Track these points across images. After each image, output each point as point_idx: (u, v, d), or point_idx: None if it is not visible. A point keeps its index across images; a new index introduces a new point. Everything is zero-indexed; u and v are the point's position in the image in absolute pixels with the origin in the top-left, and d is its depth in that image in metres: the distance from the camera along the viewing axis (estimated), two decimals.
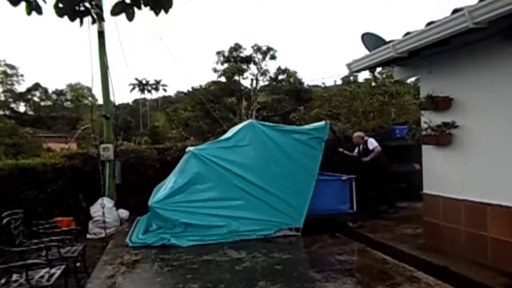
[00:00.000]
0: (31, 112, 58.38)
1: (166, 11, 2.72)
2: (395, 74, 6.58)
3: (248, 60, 33.16)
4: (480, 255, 4.65)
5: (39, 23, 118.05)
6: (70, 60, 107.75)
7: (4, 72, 51.94)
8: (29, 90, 58.48)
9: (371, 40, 5.79)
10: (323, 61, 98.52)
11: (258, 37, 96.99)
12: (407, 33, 4.80)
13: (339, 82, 34.20)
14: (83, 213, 8.09)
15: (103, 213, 7.51)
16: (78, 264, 5.09)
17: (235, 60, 32.95)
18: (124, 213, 8.47)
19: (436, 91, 5.14)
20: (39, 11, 2.71)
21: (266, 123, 8.16)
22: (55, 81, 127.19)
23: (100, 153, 8.48)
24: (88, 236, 7.64)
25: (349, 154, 8.51)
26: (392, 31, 68.54)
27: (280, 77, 34.97)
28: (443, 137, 5.12)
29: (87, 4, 2.77)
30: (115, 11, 2.68)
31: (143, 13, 2.75)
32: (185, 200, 6.85)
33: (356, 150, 8.50)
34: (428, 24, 4.43)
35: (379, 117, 13.55)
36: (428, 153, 5.58)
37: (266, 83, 35.15)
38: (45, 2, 2.70)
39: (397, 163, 8.77)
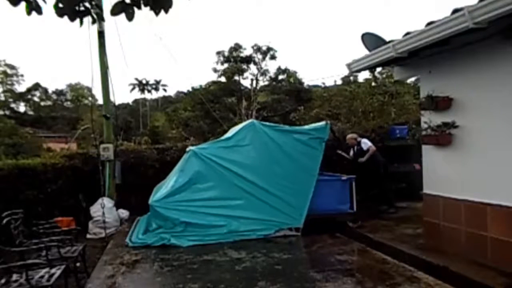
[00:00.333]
0: (31, 112, 58.38)
1: (166, 11, 2.72)
2: (395, 74, 6.58)
3: (248, 60, 33.17)
4: (480, 255, 4.65)
5: (39, 23, 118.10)
6: (70, 60, 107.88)
7: (4, 72, 51.95)
8: (29, 90, 58.49)
9: (371, 40, 5.78)
10: (323, 61, 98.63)
11: (258, 37, 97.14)
12: (407, 33, 4.80)
13: (339, 82, 34.24)
14: (83, 213, 8.09)
15: (103, 213, 7.51)
16: (78, 264, 5.09)
17: (235, 60, 32.96)
18: (124, 213, 8.47)
19: (436, 91, 5.14)
20: (39, 11, 2.71)
21: (267, 123, 8.16)
22: (55, 81, 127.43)
23: (100, 153, 8.48)
24: (88, 236, 7.64)
25: (346, 156, 8.51)
26: (392, 31, 68.56)
27: (280, 77, 34.99)
28: (443, 137, 5.12)
29: (87, 4, 2.77)
30: (115, 11, 2.68)
31: (143, 13, 2.75)
32: (186, 199, 6.85)
33: (352, 152, 8.50)
34: (428, 24, 4.43)
35: (379, 117, 13.55)
36: (428, 153, 5.58)
37: (266, 83, 35.19)
38: (45, 2, 2.70)
39: (397, 163, 8.77)
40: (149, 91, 65.32)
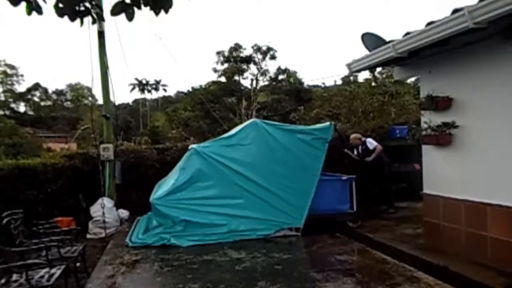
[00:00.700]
0: (31, 112, 58.40)
1: (166, 11, 2.73)
2: (395, 74, 6.58)
3: (248, 60, 33.20)
4: (480, 255, 4.65)
5: (39, 23, 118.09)
6: (70, 60, 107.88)
7: (4, 72, 51.96)
8: (29, 90, 58.50)
9: (371, 40, 5.78)
10: (323, 61, 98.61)
11: (258, 37, 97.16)
12: (407, 33, 4.80)
13: (339, 82, 34.24)
14: (83, 213, 8.09)
15: (103, 213, 7.51)
16: (78, 264, 5.09)
17: (235, 60, 33.00)
18: (124, 213, 8.47)
19: (436, 91, 5.14)
20: (39, 11, 2.71)
21: (270, 121, 8.12)
22: (55, 81, 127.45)
23: (100, 153, 8.48)
24: (88, 236, 7.64)
25: (353, 156, 8.49)
26: (392, 31, 68.55)
27: (280, 77, 35.04)
28: (443, 137, 5.12)
29: (87, 4, 2.77)
30: (115, 11, 2.68)
31: (143, 13, 2.76)
32: (186, 198, 6.86)
33: (356, 152, 8.49)
34: (428, 24, 4.43)
35: (379, 117, 13.55)
36: (428, 153, 5.58)
37: (266, 83, 35.23)
38: (45, 2, 2.70)
39: (397, 163, 8.77)
40: (149, 91, 65.36)
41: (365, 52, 5.84)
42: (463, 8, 3.92)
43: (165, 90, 67.27)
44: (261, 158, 7.22)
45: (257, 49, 33.03)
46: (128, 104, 67.61)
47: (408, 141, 8.18)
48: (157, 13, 2.72)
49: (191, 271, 5.10)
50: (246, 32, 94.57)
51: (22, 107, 58.04)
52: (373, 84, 17.73)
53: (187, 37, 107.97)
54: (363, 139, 8.41)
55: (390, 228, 6.76)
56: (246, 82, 34.40)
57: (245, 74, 33.68)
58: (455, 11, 4.07)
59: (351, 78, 26.38)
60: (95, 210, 7.82)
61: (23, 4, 2.65)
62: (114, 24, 15.77)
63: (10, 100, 54.16)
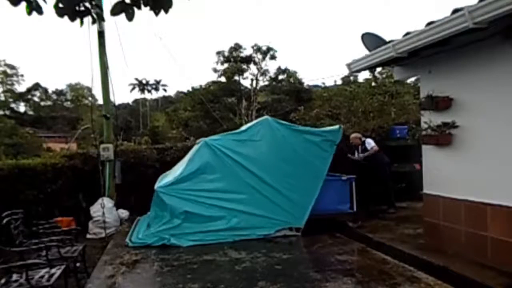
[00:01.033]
0: (31, 112, 58.37)
1: (166, 11, 2.73)
2: (395, 74, 6.58)
3: (248, 60, 33.17)
4: (480, 255, 4.65)
5: (39, 23, 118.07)
6: (70, 60, 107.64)
7: (4, 72, 51.93)
8: (29, 90, 58.46)
9: (371, 40, 5.79)
10: (323, 61, 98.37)
11: (258, 37, 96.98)
12: (407, 33, 4.80)
13: (339, 82, 34.28)
14: (83, 213, 8.09)
15: (103, 213, 7.51)
16: (78, 264, 5.09)
17: (235, 60, 32.97)
18: (124, 213, 8.47)
19: (436, 91, 5.15)
20: (39, 11, 2.72)
21: (281, 121, 8.15)
22: (55, 81, 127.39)
23: (100, 153, 8.49)
24: (88, 236, 7.64)
25: (354, 159, 8.49)
26: (392, 31, 68.55)
27: (280, 77, 35.01)
28: (443, 137, 5.12)
29: (87, 4, 2.77)
30: (115, 11, 2.69)
31: (143, 13, 2.76)
32: (191, 189, 6.87)
33: (356, 153, 8.49)
34: (428, 24, 4.43)
35: (379, 117, 13.53)
36: (428, 153, 5.58)
37: (266, 83, 35.20)
38: (45, 2, 2.70)
39: (397, 163, 8.77)
40: (149, 91, 65.35)
41: (365, 52, 5.84)
42: (463, 8, 3.92)
43: (165, 90, 67.32)
44: (270, 155, 7.25)
45: (257, 49, 33.00)
46: (128, 104, 67.64)
47: (408, 141, 8.20)
48: (157, 13, 2.73)
49: (191, 271, 5.10)
50: (246, 32, 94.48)
51: (22, 107, 58.06)
52: (373, 84, 17.72)
53: (187, 37, 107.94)
54: (363, 139, 8.41)
55: (390, 228, 6.76)
56: (246, 82, 34.41)
57: (245, 74, 33.66)
58: (455, 11, 4.07)
59: (351, 78, 26.43)
60: (95, 210, 7.82)
61: (23, 4, 2.65)
62: (114, 24, 15.77)
63: (10, 100, 54.11)
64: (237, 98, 32.33)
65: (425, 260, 4.92)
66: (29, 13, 2.70)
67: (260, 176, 7.05)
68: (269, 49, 33.05)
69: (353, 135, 8.63)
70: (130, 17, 2.71)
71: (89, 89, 48.59)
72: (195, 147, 7.66)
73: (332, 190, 7.26)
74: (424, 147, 5.64)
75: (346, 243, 6.35)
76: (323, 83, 33.76)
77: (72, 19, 2.75)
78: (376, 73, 18.71)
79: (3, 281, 3.95)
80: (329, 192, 7.20)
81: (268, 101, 33.25)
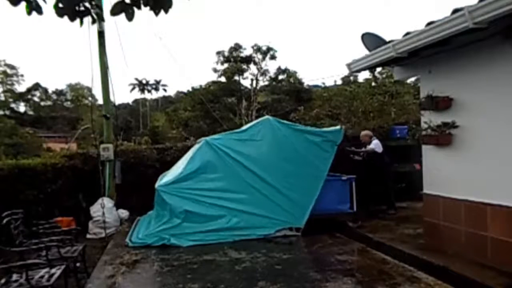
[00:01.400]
0: (31, 112, 58.35)
1: (166, 11, 2.73)
2: (395, 74, 6.58)
3: (248, 60, 33.16)
4: (480, 255, 4.65)
5: (39, 23, 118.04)
6: (70, 60, 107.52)
7: (4, 72, 51.90)
8: (29, 90, 58.45)
9: (371, 40, 5.79)
10: (323, 61, 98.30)
11: (258, 37, 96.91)
12: (407, 33, 4.80)
13: (339, 82, 34.24)
14: (83, 213, 8.09)
15: (103, 213, 7.51)
16: (78, 264, 5.09)
17: (235, 60, 32.96)
18: (124, 213, 8.47)
19: (436, 91, 5.15)
20: (39, 11, 2.72)
21: (282, 120, 8.17)
22: (55, 81, 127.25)
23: (100, 153, 8.49)
24: (88, 236, 7.64)
25: (357, 158, 8.47)
26: (392, 31, 68.54)
27: (280, 77, 34.99)
28: (443, 137, 5.12)
29: (87, 4, 2.77)
30: (115, 11, 2.68)
31: (143, 13, 2.76)
32: (192, 188, 6.89)
33: (363, 149, 8.47)
34: (428, 24, 4.43)
35: (379, 117, 13.53)
36: (428, 153, 5.58)
37: (266, 83, 35.18)
38: (45, 2, 2.70)
39: (397, 163, 8.77)
40: (149, 91, 65.32)
41: (365, 52, 5.85)
42: (463, 8, 3.92)
43: (165, 90, 67.29)
44: (270, 155, 7.26)
45: (257, 49, 32.98)
46: (128, 104, 67.62)
47: (408, 141, 8.19)
48: (157, 13, 2.73)
49: (191, 271, 5.10)
50: (246, 32, 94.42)
51: (22, 107, 58.02)
52: (373, 84, 17.72)
53: (187, 37, 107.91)
54: (373, 138, 8.37)
55: (390, 228, 6.77)
56: (246, 82, 34.39)
57: (245, 74, 33.64)
58: (455, 11, 4.07)
59: (351, 78, 26.41)
60: (95, 210, 7.82)
61: (23, 4, 2.65)
62: (114, 24, 15.77)
63: (10, 100, 54.09)
64: (237, 98, 32.32)
65: (425, 260, 4.92)
66: (29, 13, 2.70)
67: (261, 176, 7.06)
68: (269, 49, 33.04)
69: (363, 133, 8.61)
70: (130, 17, 2.71)
71: (89, 89, 48.59)
72: (196, 146, 7.68)
73: (332, 190, 7.27)
74: (424, 147, 5.64)
75: (346, 243, 6.35)
76: (323, 83, 33.73)
77: (72, 19, 2.75)
78: (376, 73, 18.72)
79: (3, 281, 3.95)
80: (329, 192, 7.20)
81: (268, 101, 33.23)
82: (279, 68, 34.66)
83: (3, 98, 52.31)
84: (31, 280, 3.86)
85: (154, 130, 39.25)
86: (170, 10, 2.73)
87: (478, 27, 3.87)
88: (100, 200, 7.79)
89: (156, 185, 7.07)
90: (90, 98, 43.06)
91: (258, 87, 33.80)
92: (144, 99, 65.12)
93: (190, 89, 35.46)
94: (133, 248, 6.24)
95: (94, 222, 7.80)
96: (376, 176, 8.12)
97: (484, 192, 4.60)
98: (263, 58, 33.42)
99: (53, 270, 4.15)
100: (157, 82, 64.68)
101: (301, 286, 4.51)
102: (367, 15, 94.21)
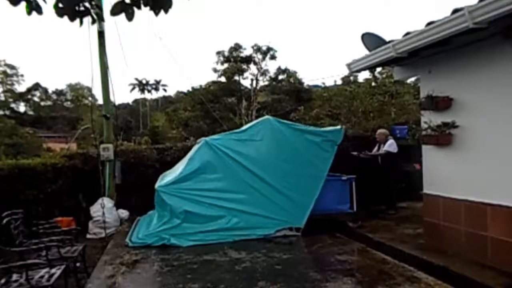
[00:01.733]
0: (31, 112, 58.34)
1: (166, 11, 2.73)
2: (395, 74, 6.58)
3: (248, 60, 33.17)
4: (480, 255, 4.65)
5: (39, 23, 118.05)
6: (70, 60, 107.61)
7: (4, 72, 51.89)
8: (29, 90, 58.44)
9: (371, 40, 5.79)
10: (323, 61, 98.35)
11: (258, 37, 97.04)
12: (407, 33, 4.80)
13: (339, 82, 34.17)
14: (83, 213, 8.09)
15: (103, 213, 7.51)
16: (78, 264, 5.09)
17: (235, 60, 32.97)
18: (124, 213, 8.47)
19: (436, 91, 5.15)
20: (39, 11, 2.72)
21: (282, 120, 8.17)
22: (55, 81, 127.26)
23: (100, 153, 8.48)
24: (88, 236, 7.64)
25: (362, 155, 8.41)
26: (392, 31, 68.53)
27: (280, 77, 35.01)
28: (443, 137, 5.12)
29: (87, 4, 2.77)
30: (115, 11, 2.68)
31: (143, 13, 2.76)
32: (192, 188, 6.88)
33: (376, 148, 8.43)
34: (428, 24, 4.43)
35: (379, 117, 13.54)
36: (428, 153, 5.58)
37: (266, 83, 35.20)
38: (45, 2, 2.70)
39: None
40: (149, 91, 65.33)
41: (365, 52, 5.84)
42: (463, 8, 3.92)
43: (165, 90, 67.30)
44: (270, 155, 7.26)
45: (257, 49, 32.99)
46: (128, 104, 67.63)
47: (408, 141, 8.16)
48: (157, 13, 2.73)
49: (191, 271, 5.10)
50: (246, 32, 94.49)
51: (22, 107, 58.00)
52: (373, 84, 17.72)
53: (187, 37, 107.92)
54: (389, 138, 8.31)
55: (390, 228, 6.76)
56: (246, 82, 34.41)
57: (245, 74, 33.66)
58: (455, 11, 4.07)
59: (351, 78, 26.38)
60: (95, 210, 7.82)
61: (23, 4, 2.65)
62: (114, 24, 15.74)
63: (10, 100, 54.07)
64: (237, 98, 32.32)
65: (425, 260, 4.92)
66: (29, 13, 2.70)
67: (261, 176, 7.05)
68: (269, 49, 33.05)
69: (379, 131, 8.53)
70: (130, 17, 2.71)
71: (89, 89, 48.62)
72: (196, 147, 7.68)
73: (332, 190, 7.26)
74: (424, 147, 5.64)
75: (346, 243, 6.35)
76: (323, 83, 33.66)
77: (72, 19, 2.75)
78: (376, 73, 18.70)
79: (3, 281, 3.94)
80: (329, 192, 7.20)
81: (268, 101, 33.24)
82: (279, 68, 34.71)
83: (3, 98, 52.29)
84: (31, 280, 3.86)
85: (154, 130, 39.28)
86: (170, 10, 2.73)
87: (478, 27, 3.87)
88: (100, 200, 7.78)
89: (156, 185, 7.07)
90: (90, 98, 43.11)
91: (258, 87, 33.81)
92: (144, 99, 65.15)
93: (190, 89, 35.49)
94: (133, 248, 6.24)
95: (94, 222, 7.80)
96: (385, 176, 8.03)
97: (484, 192, 4.60)
98: (263, 58, 33.45)
99: (53, 270, 4.15)
100: (157, 82, 64.71)
101: (301, 286, 4.51)
102: (367, 15, 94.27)
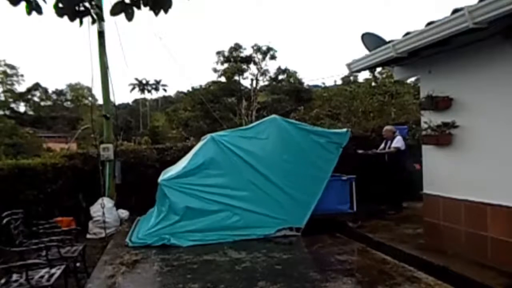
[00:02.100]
0: (31, 112, 58.33)
1: (166, 11, 2.72)
2: (395, 74, 6.58)
3: (248, 60, 33.16)
4: (480, 255, 4.64)
5: (39, 23, 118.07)
6: (70, 60, 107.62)
7: (4, 72, 51.88)
8: (29, 90, 58.42)
9: (371, 40, 5.79)
10: (323, 61, 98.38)
11: (258, 37, 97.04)
12: (407, 33, 4.80)
13: (339, 82, 34.23)
14: (83, 213, 8.09)
15: (103, 213, 7.51)
16: (78, 264, 5.09)
17: (235, 60, 32.96)
18: (124, 213, 8.47)
19: (436, 91, 5.14)
20: (39, 11, 2.71)
21: (289, 119, 8.14)
22: (55, 81, 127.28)
23: (100, 153, 8.48)
24: (88, 236, 7.64)
25: (369, 153, 8.36)
26: (392, 31, 68.53)
27: (280, 77, 35.00)
28: (443, 137, 5.12)
29: (87, 4, 2.77)
30: (115, 11, 2.68)
31: (143, 13, 2.76)
32: (194, 183, 6.89)
33: (383, 145, 8.40)
34: (428, 24, 4.43)
35: (379, 117, 13.57)
36: (428, 153, 5.58)
37: (266, 83, 35.19)
38: (45, 2, 2.70)
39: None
40: (149, 91, 65.33)
41: (365, 52, 5.84)
42: (463, 8, 3.92)
43: (165, 90, 67.31)
44: (275, 154, 7.26)
45: (257, 49, 32.98)
46: (128, 104, 67.64)
47: (408, 141, 8.15)
48: (156, 13, 2.72)
49: (191, 271, 5.10)
50: (246, 32, 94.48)
51: (22, 107, 57.98)
52: (373, 84, 17.74)
53: (187, 37, 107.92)
54: (396, 134, 8.28)
55: (390, 228, 6.76)
56: (246, 82, 34.41)
57: (245, 74, 33.64)
58: (455, 11, 4.07)
59: (351, 78, 26.41)
60: (95, 210, 7.82)
61: (23, 4, 2.65)
62: (114, 24, 15.74)
63: (10, 100, 54.05)
64: (237, 98, 32.32)
65: (425, 260, 4.91)
66: (29, 13, 2.70)
67: (264, 174, 7.06)
68: (269, 49, 33.04)
69: (386, 127, 8.51)
70: (130, 17, 2.71)
71: (89, 89, 48.57)
72: (201, 142, 7.70)
73: (332, 190, 7.26)
74: (424, 147, 5.64)
75: (346, 243, 6.35)
76: (323, 83, 33.73)
77: (72, 19, 2.75)
78: (376, 73, 18.73)
79: (3, 281, 3.94)
80: (329, 192, 7.20)
81: (268, 101, 33.22)
82: (279, 68, 34.70)
83: (3, 98, 52.28)
84: (31, 280, 3.86)
85: (154, 130, 39.28)
86: (170, 10, 2.73)
87: (478, 27, 3.87)
88: (100, 200, 7.79)
89: (159, 179, 7.08)
90: (90, 98, 43.11)
91: (258, 87, 33.80)
92: (144, 99, 65.17)
93: (190, 89, 35.50)
94: (133, 248, 6.24)
95: (94, 222, 7.80)
96: (391, 174, 7.94)
97: (484, 192, 4.60)
98: (263, 58, 33.44)
99: (53, 270, 4.15)
100: (157, 82, 64.72)
101: (301, 286, 4.51)
102: (367, 15, 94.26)
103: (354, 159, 8.45)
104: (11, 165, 7.75)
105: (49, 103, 62.26)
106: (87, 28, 7.18)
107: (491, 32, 4.18)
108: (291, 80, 34.48)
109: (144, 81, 62.95)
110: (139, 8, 2.70)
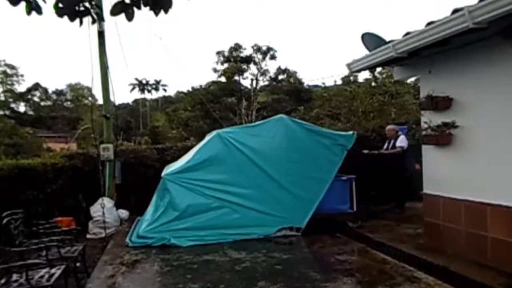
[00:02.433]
0: (31, 112, 58.35)
1: (166, 11, 2.72)
2: (395, 74, 6.58)
3: (248, 60, 33.15)
4: (480, 255, 4.64)
5: (39, 23, 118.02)
6: (70, 60, 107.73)
7: (4, 72, 51.91)
8: (29, 90, 58.46)
9: (371, 40, 5.78)
10: (323, 61, 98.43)
11: (258, 37, 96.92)
12: (407, 33, 4.80)
13: (339, 82, 34.24)
14: (83, 213, 8.09)
15: (103, 213, 7.51)
16: (78, 264, 5.08)
17: (235, 60, 32.95)
18: (124, 213, 8.47)
19: (436, 91, 5.14)
20: (39, 11, 2.71)
21: (296, 119, 8.14)
22: (55, 81, 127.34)
23: (100, 153, 8.48)
24: (88, 236, 7.64)
25: (374, 153, 8.30)
26: (392, 31, 68.55)
27: (280, 77, 35.01)
28: (443, 137, 5.12)
29: (87, 4, 2.77)
30: (115, 11, 2.68)
31: (143, 13, 2.75)
32: (197, 178, 6.88)
33: (386, 144, 8.38)
34: (428, 24, 4.43)
35: (379, 117, 13.56)
36: (428, 153, 5.58)
37: (266, 83, 35.19)
38: (45, 2, 2.70)
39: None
40: (149, 91, 65.35)
41: (365, 52, 5.84)
42: (463, 8, 3.91)
43: (165, 90, 67.32)
44: (280, 153, 7.26)
45: (257, 49, 32.97)
46: (128, 104, 67.66)
47: (409, 141, 8.16)
48: (156, 13, 2.72)
49: (191, 271, 5.10)
50: (246, 32, 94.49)
51: (22, 107, 58.03)
52: (373, 84, 17.75)
53: (187, 37, 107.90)
54: (399, 133, 8.27)
55: (390, 228, 6.76)
56: (246, 82, 34.40)
57: (245, 74, 33.63)
58: (455, 11, 4.07)
59: (351, 78, 26.42)
60: (95, 210, 7.82)
61: (23, 4, 2.65)
62: (114, 24, 15.73)
63: (10, 100, 54.08)
64: (237, 98, 32.31)
65: (425, 260, 4.91)
66: (29, 13, 2.69)
67: (268, 172, 7.07)
68: (269, 49, 33.04)
69: (389, 127, 8.49)
70: (130, 17, 2.71)
71: (89, 89, 48.61)
72: (207, 138, 7.70)
73: (332, 190, 7.26)
74: (424, 147, 5.64)
75: (346, 243, 6.35)
76: (323, 83, 33.69)
77: (72, 19, 2.75)
78: (376, 73, 18.74)
79: (3, 281, 3.94)
80: (329, 192, 7.20)
81: (268, 101, 33.23)
82: (279, 68, 34.70)
83: (3, 98, 52.32)
84: (31, 280, 3.86)
85: (154, 130, 39.30)
86: (170, 10, 2.73)
87: (478, 27, 3.87)
88: (100, 200, 7.78)
89: (163, 173, 7.08)
90: (90, 98, 43.07)
91: (258, 87, 33.80)
92: (144, 99, 65.19)
93: (190, 89, 35.46)
94: (133, 248, 6.24)
95: (94, 222, 7.80)
96: (395, 173, 7.91)
97: (484, 192, 4.60)
98: (263, 58, 33.43)
99: (53, 270, 4.15)
100: (157, 82, 64.73)
101: (301, 286, 4.51)
102: (367, 15, 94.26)
103: (357, 159, 8.43)
104: (11, 165, 7.76)
105: (49, 103, 62.31)
106: (87, 28, 7.18)
107: (491, 32, 4.17)
108: (291, 80, 34.50)
109: (144, 81, 63.00)
110: (139, 8, 2.70)
